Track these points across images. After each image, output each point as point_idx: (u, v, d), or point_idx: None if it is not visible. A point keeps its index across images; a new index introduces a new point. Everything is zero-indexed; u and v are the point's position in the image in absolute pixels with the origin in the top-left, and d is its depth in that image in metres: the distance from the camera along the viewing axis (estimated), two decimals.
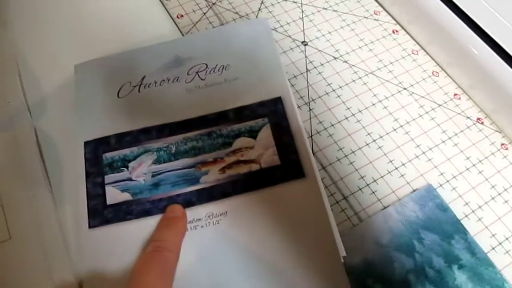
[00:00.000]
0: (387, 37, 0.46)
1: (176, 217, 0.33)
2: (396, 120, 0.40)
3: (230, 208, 0.34)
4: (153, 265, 0.29)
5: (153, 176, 0.35)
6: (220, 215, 0.33)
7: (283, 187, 0.34)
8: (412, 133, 0.40)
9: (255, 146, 0.36)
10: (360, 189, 0.37)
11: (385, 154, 0.39)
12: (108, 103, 0.38)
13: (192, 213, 0.33)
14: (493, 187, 0.37)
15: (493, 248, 0.35)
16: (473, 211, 0.36)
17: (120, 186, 0.35)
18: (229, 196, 0.34)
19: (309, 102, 0.41)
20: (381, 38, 0.46)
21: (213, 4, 0.47)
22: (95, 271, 0.32)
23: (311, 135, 0.39)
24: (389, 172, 0.38)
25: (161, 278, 0.29)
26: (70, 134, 0.37)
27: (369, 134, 0.40)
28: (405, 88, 0.42)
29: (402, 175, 0.38)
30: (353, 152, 0.39)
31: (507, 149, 0.39)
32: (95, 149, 0.36)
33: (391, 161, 0.38)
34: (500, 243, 0.35)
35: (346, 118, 0.40)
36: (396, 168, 0.38)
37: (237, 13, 0.46)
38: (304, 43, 0.45)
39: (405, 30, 0.46)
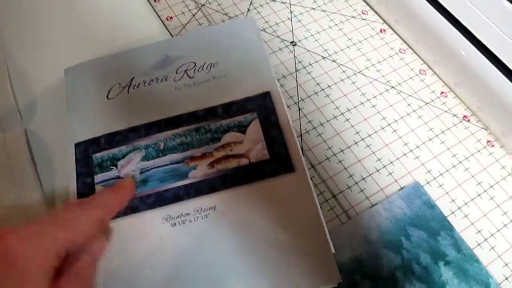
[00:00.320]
0: (375, 36, 0.46)
1: (119, 185, 0.32)
2: (384, 118, 0.41)
3: (219, 202, 0.34)
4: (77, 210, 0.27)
5: (141, 173, 0.35)
6: (209, 209, 0.34)
7: (273, 181, 0.34)
8: (399, 131, 0.40)
9: (244, 141, 0.36)
10: (349, 187, 0.37)
11: (373, 153, 0.39)
12: (98, 104, 0.39)
13: (181, 207, 0.34)
14: (479, 184, 0.38)
15: (479, 244, 0.35)
16: (459, 208, 0.37)
17: (109, 185, 0.35)
18: (218, 191, 0.34)
19: (298, 102, 0.41)
20: (369, 37, 0.46)
21: (202, 5, 0.47)
22: None
23: (301, 134, 0.40)
24: (377, 170, 0.38)
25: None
26: (60, 136, 0.38)
27: (357, 132, 0.40)
28: (393, 87, 0.43)
29: (390, 173, 0.38)
30: (342, 150, 0.39)
31: (493, 146, 0.40)
32: (86, 150, 0.36)
33: (379, 159, 0.39)
34: (485, 239, 0.35)
35: (335, 117, 0.41)
36: (384, 166, 0.38)
37: (226, 14, 0.47)
38: (293, 43, 0.45)
39: (392, 29, 0.47)
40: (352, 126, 0.40)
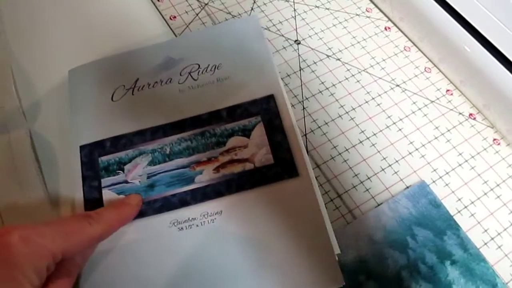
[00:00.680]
0: (379, 34, 0.46)
1: (126, 203, 0.33)
2: (389, 117, 0.41)
3: (225, 207, 0.34)
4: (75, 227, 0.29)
5: (148, 177, 0.35)
6: (215, 214, 0.34)
7: (277, 186, 0.34)
8: (405, 130, 0.40)
9: (249, 145, 0.36)
10: (354, 186, 0.37)
11: (378, 152, 0.39)
12: (102, 106, 0.39)
13: (187, 212, 0.34)
14: (485, 182, 0.38)
15: (485, 244, 0.35)
16: (465, 207, 0.37)
17: (116, 189, 0.35)
18: (224, 195, 0.34)
19: (302, 101, 0.41)
20: (374, 35, 0.46)
21: (206, 4, 0.47)
22: (94, 274, 0.32)
23: (305, 134, 0.40)
24: (383, 170, 0.38)
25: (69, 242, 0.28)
26: (65, 138, 0.38)
27: (362, 131, 0.40)
28: (397, 85, 0.43)
29: (395, 172, 0.38)
30: (347, 150, 0.39)
31: (499, 144, 0.40)
32: (91, 153, 0.36)
33: (384, 158, 0.39)
34: (492, 238, 0.35)
35: (340, 116, 0.41)
36: (390, 165, 0.38)
37: (229, 13, 0.46)
38: (297, 41, 0.45)
39: (397, 26, 0.47)
40: (357, 125, 0.40)
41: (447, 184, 0.38)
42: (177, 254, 0.32)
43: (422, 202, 0.36)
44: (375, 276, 0.33)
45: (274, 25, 0.46)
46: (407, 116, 0.41)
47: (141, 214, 0.34)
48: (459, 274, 0.33)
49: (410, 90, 0.42)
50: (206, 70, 0.40)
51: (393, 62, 0.44)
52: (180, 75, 0.40)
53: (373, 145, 0.39)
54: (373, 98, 0.42)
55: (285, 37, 0.45)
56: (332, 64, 0.44)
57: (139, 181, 0.35)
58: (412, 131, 0.40)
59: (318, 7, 0.48)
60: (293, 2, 0.48)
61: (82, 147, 0.37)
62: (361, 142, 0.39)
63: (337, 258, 0.31)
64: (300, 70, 0.43)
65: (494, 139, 0.40)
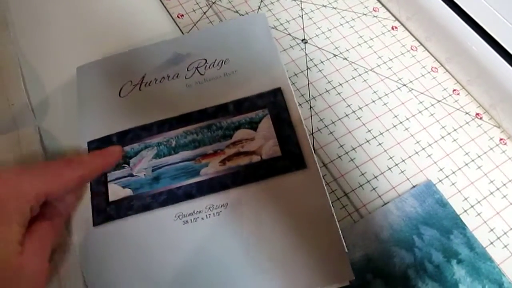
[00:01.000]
0: (386, 34, 0.46)
1: (107, 150, 0.36)
2: (396, 116, 0.41)
3: (231, 199, 0.34)
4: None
5: (153, 170, 0.36)
6: (221, 206, 0.34)
7: (284, 178, 0.34)
8: (411, 130, 0.40)
9: (256, 138, 0.36)
10: (361, 185, 0.37)
11: (385, 151, 0.39)
12: (110, 103, 0.39)
13: (193, 205, 0.34)
14: (491, 182, 0.38)
15: (492, 243, 0.35)
16: (472, 206, 0.37)
17: (122, 183, 0.35)
18: (230, 188, 0.34)
19: (309, 100, 0.41)
20: (380, 34, 0.46)
21: (213, 3, 0.47)
22: (100, 268, 0.32)
23: (312, 133, 0.40)
24: (389, 169, 0.38)
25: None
26: (73, 134, 0.38)
27: (369, 131, 0.40)
28: (404, 85, 0.43)
29: (402, 171, 0.38)
30: (353, 149, 0.39)
31: (505, 144, 0.40)
32: (98, 148, 0.37)
33: (391, 158, 0.39)
34: (498, 238, 0.35)
35: (347, 115, 0.41)
36: (396, 165, 0.38)
37: (237, 11, 0.47)
38: (304, 41, 0.45)
39: (404, 26, 0.47)
40: (364, 124, 0.40)
41: (453, 184, 0.38)
42: (182, 247, 0.33)
43: (428, 201, 0.36)
44: (382, 275, 0.33)
45: (281, 24, 0.46)
46: (413, 116, 0.41)
47: (146, 207, 0.34)
48: (465, 273, 0.33)
49: (417, 89, 0.42)
50: (213, 65, 0.40)
51: (400, 61, 0.44)
52: (187, 70, 0.40)
53: (380, 144, 0.39)
54: (379, 98, 0.42)
55: (292, 36, 0.45)
56: (339, 64, 0.44)
57: (144, 174, 0.35)
58: (419, 130, 0.40)
59: (325, 6, 0.48)
60: (300, 1, 0.48)
61: (90, 143, 0.37)
62: (367, 141, 0.39)
63: (346, 250, 0.31)
64: (307, 69, 0.43)
65: (501, 139, 0.40)
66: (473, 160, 0.39)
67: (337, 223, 0.32)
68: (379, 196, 0.37)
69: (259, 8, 0.47)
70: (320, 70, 0.43)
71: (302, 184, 0.34)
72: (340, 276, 0.31)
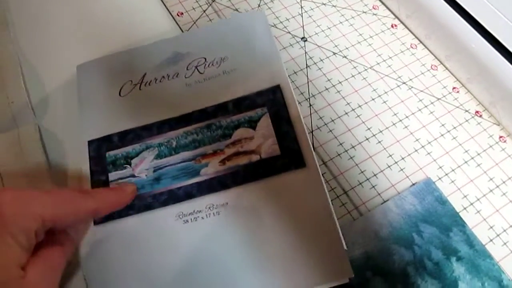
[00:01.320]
0: (386, 32, 0.46)
1: (122, 188, 0.34)
2: (395, 114, 0.41)
3: (231, 199, 0.34)
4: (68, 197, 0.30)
5: (154, 171, 0.36)
6: (221, 206, 0.34)
7: (284, 177, 0.34)
8: (411, 127, 0.40)
9: (255, 137, 0.36)
10: (360, 183, 0.37)
11: (384, 149, 0.39)
12: (110, 102, 0.39)
13: (193, 205, 0.34)
14: (491, 179, 0.38)
15: (491, 240, 0.35)
16: (471, 204, 0.37)
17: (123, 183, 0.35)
18: (229, 187, 0.34)
19: (309, 98, 0.41)
20: (380, 32, 0.46)
21: (213, 1, 0.47)
22: (100, 266, 0.32)
23: (312, 131, 0.40)
24: (389, 166, 0.38)
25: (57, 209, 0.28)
26: (73, 133, 0.38)
27: (369, 129, 0.40)
28: (404, 83, 0.43)
29: (401, 169, 0.38)
30: (353, 147, 0.39)
31: (505, 141, 0.40)
32: (99, 148, 0.37)
33: (390, 155, 0.39)
34: (498, 235, 0.35)
35: (346, 113, 0.41)
36: (396, 162, 0.38)
37: (236, 10, 0.47)
38: (304, 39, 0.45)
39: (403, 24, 0.47)
40: (363, 122, 0.40)
41: (453, 181, 0.38)
42: (182, 246, 0.33)
43: (428, 199, 0.36)
44: (381, 272, 0.33)
45: (281, 22, 0.46)
46: (413, 114, 0.41)
47: (147, 207, 0.34)
48: (465, 270, 0.33)
49: (417, 87, 0.42)
50: (212, 64, 0.40)
51: (400, 59, 0.44)
52: (187, 69, 0.40)
53: (379, 142, 0.39)
54: (379, 96, 0.42)
55: (292, 34, 0.45)
56: (338, 62, 0.44)
57: (146, 175, 0.36)
58: (418, 128, 0.40)
59: (325, 4, 0.48)
60: None
61: (90, 142, 0.37)
62: (367, 139, 0.39)
63: (346, 248, 0.31)
64: (306, 67, 0.43)
65: (500, 137, 0.40)
66: (472, 158, 0.39)
67: (336, 221, 0.32)
68: (379, 194, 0.37)
69: (258, 6, 0.47)
70: (319, 68, 0.43)
71: (301, 182, 0.34)
72: (339, 274, 0.31)
